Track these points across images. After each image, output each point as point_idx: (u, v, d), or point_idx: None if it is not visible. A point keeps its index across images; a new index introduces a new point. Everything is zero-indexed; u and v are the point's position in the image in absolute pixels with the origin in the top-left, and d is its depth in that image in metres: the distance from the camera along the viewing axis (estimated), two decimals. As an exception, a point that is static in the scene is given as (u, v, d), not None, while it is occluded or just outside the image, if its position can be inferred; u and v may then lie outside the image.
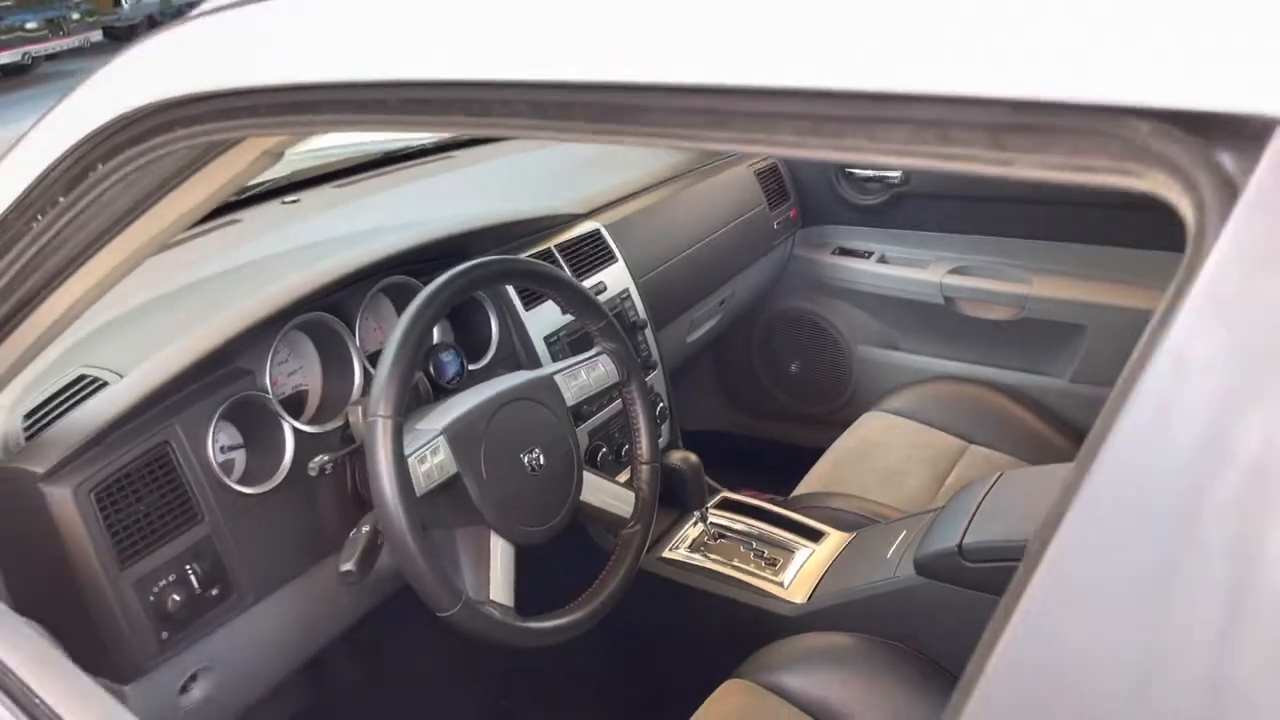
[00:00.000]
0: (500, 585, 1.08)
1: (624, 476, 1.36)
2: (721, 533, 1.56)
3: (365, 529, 1.08)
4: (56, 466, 0.94)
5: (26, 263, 0.74)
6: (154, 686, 1.01)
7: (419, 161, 1.93)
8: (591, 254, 1.62)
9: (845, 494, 1.67)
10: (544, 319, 1.48)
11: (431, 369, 1.28)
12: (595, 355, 1.27)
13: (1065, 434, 1.89)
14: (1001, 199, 2.07)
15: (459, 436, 1.09)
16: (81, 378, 1.05)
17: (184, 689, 1.07)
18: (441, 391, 1.27)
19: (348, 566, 1.05)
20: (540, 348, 1.46)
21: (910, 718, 1.21)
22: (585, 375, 1.25)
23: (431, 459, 1.06)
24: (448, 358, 1.30)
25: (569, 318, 1.51)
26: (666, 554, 1.52)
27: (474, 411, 1.12)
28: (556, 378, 1.22)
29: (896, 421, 1.90)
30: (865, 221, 2.23)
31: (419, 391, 1.26)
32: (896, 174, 2.13)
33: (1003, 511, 1.28)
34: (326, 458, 1.10)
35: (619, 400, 1.48)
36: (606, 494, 1.24)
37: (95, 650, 0.97)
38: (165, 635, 1.00)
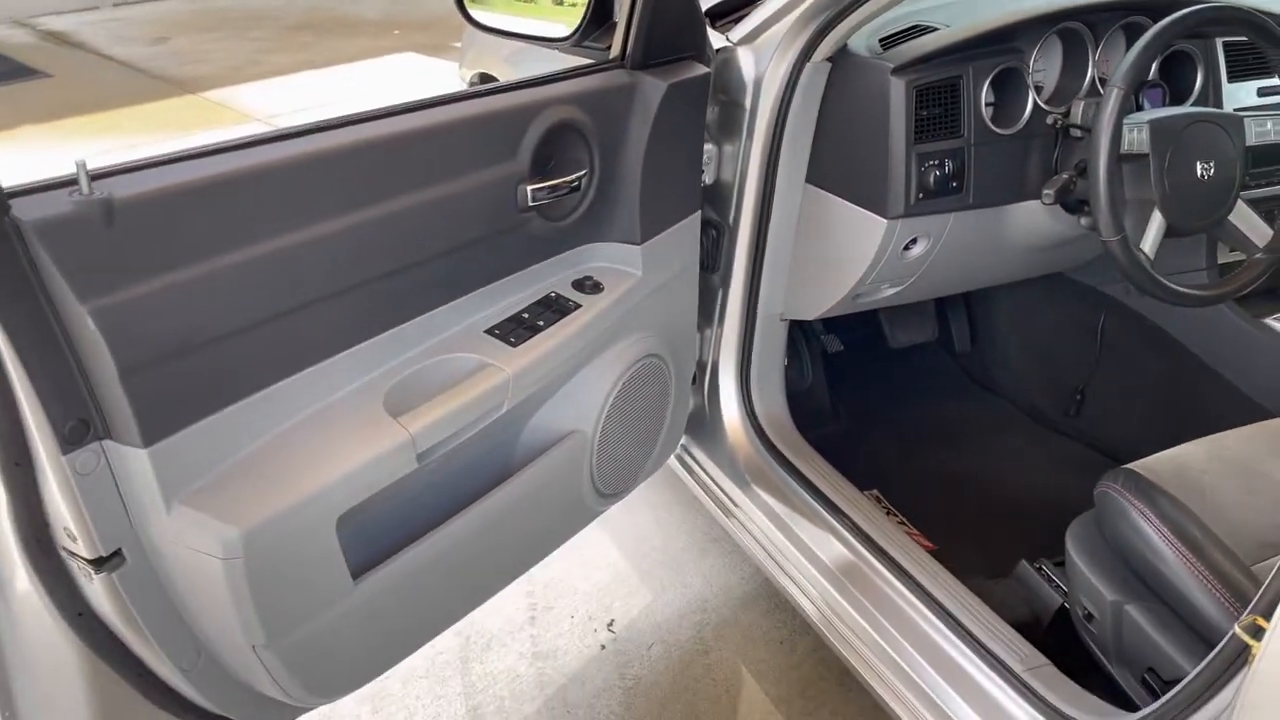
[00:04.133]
0: (1150, 244, 1.46)
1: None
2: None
3: (1065, 175, 1.53)
4: (901, 66, 1.51)
5: None
6: (895, 231, 1.58)
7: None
8: None
9: None
10: (1241, 94, 1.75)
11: (1140, 97, 1.64)
12: None
13: None
14: None
15: (1160, 128, 1.46)
16: (916, 25, 1.61)
17: (907, 246, 1.63)
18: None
19: (1048, 191, 1.52)
20: (1228, 116, 1.73)
21: None
22: (1270, 125, 1.53)
23: (1134, 135, 1.45)
24: (1155, 91, 1.65)
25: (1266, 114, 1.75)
26: (1270, 320, 1.77)
27: (1179, 115, 1.48)
28: (1246, 119, 1.52)
29: None
30: None
31: None
32: None
33: None
34: (1063, 115, 1.56)
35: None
36: (1250, 222, 1.54)
37: (877, 194, 1.56)
38: (919, 197, 1.55)
